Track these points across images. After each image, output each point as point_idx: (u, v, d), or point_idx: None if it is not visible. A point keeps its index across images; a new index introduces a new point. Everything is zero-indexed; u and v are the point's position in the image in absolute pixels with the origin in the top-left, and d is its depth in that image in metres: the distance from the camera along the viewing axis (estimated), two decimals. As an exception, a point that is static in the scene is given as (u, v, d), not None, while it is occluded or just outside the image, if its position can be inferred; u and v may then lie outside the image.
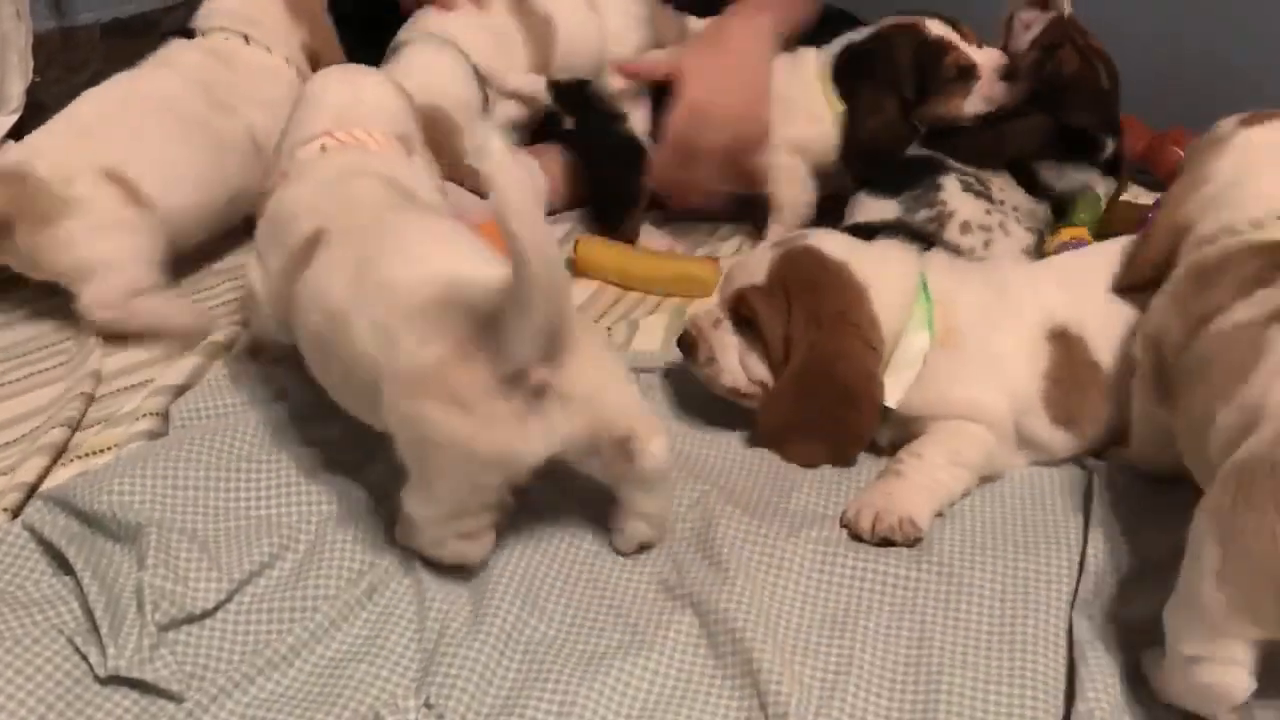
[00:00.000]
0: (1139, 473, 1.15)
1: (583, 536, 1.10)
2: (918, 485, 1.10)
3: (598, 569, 1.07)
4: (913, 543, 1.07)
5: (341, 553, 1.06)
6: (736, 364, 1.19)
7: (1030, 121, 1.47)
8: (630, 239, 1.60)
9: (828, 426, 1.15)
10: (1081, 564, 1.04)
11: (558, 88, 1.67)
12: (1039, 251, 1.45)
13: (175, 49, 1.53)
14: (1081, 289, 1.19)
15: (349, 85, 1.26)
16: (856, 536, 1.08)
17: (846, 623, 1.01)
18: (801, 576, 1.04)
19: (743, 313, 1.18)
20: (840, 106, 1.55)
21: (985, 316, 1.16)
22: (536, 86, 1.67)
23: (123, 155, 1.38)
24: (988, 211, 1.41)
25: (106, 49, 2.11)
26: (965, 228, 1.39)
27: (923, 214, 1.41)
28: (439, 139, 1.47)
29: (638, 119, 1.58)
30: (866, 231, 1.35)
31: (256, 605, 1.03)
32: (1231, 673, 0.84)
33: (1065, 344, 1.16)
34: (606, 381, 0.97)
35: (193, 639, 1.00)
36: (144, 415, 1.25)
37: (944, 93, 1.50)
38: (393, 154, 1.21)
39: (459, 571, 1.05)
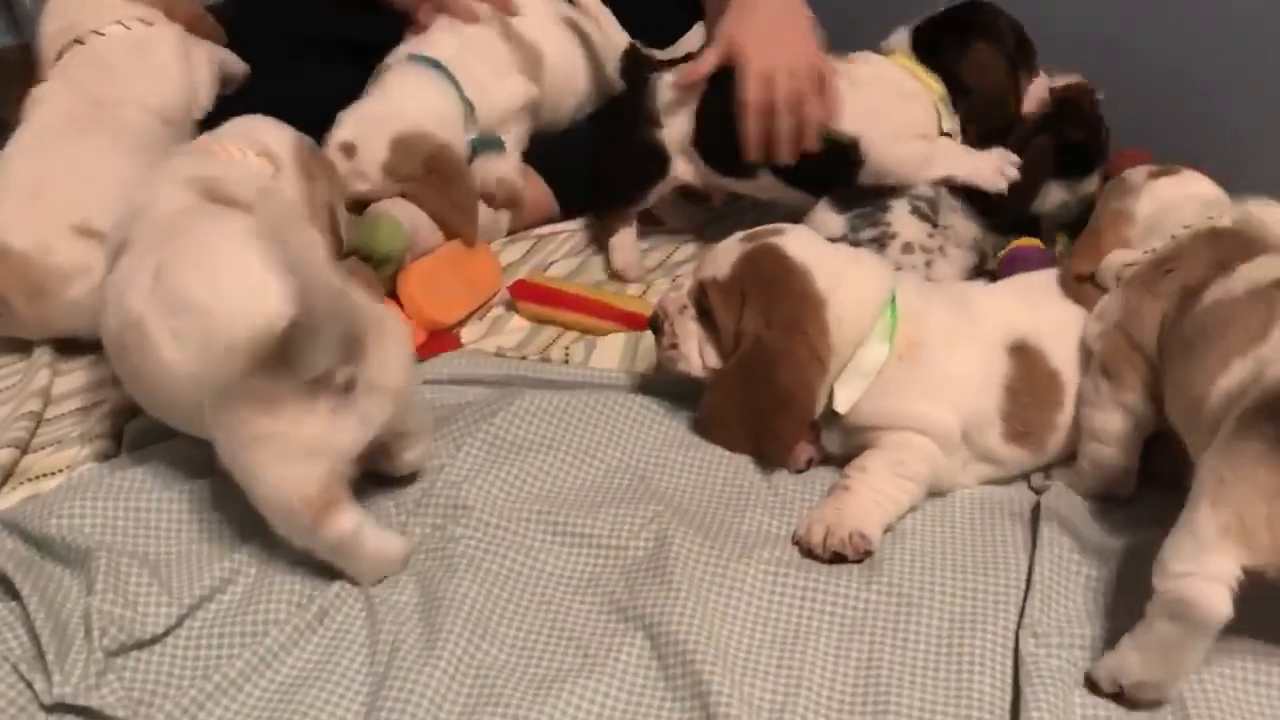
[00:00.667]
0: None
1: (537, 560, 1.10)
2: (865, 499, 1.11)
3: (550, 592, 1.07)
4: (863, 556, 1.08)
5: (292, 576, 1.06)
6: (695, 353, 1.20)
7: (1040, 141, 1.53)
8: (608, 234, 1.62)
9: (759, 423, 1.17)
10: (1028, 582, 1.05)
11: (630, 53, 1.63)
12: (980, 272, 1.47)
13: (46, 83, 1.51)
14: (1041, 303, 1.22)
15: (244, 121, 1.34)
16: (809, 553, 1.09)
17: (796, 644, 1.01)
18: (752, 597, 1.05)
19: (703, 303, 1.19)
20: (939, 85, 1.50)
21: (949, 335, 1.18)
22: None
23: (79, 206, 1.37)
24: (930, 235, 1.43)
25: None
26: (907, 248, 1.40)
27: (867, 233, 1.42)
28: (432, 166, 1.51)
29: (677, 127, 1.54)
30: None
31: (206, 630, 1.02)
32: (1215, 589, 0.87)
33: (1025, 356, 1.18)
34: (405, 374, 1.06)
35: (141, 665, 0.99)
36: (96, 438, 1.24)
37: (1025, 73, 1.53)
38: (246, 165, 1.26)
39: (411, 595, 1.05)
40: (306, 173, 1.32)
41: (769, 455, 1.19)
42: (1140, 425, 1.12)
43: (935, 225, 1.44)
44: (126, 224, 1.15)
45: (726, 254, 1.19)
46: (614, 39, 1.62)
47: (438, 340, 1.43)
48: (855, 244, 1.38)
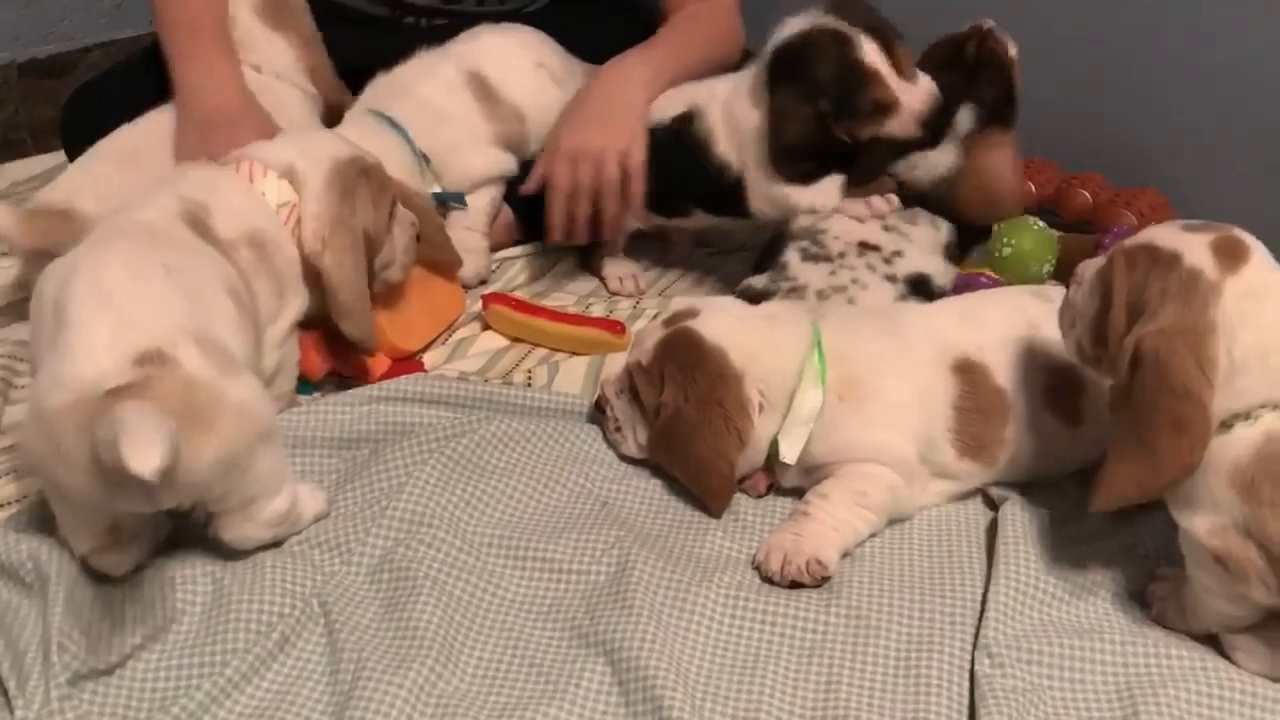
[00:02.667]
0: (1042, 509, 1.17)
1: (499, 586, 1.10)
2: (824, 526, 1.12)
3: (512, 619, 1.07)
4: (821, 582, 1.09)
5: (251, 603, 1.06)
6: (631, 434, 1.25)
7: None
8: (595, 270, 1.66)
9: (689, 485, 1.21)
10: (984, 602, 1.07)
11: None
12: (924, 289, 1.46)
13: None
14: (980, 320, 1.23)
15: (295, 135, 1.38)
16: (767, 579, 1.10)
17: (756, 667, 1.02)
18: (712, 621, 1.06)
19: (633, 386, 1.23)
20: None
21: (885, 365, 1.19)
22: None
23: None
24: (832, 273, 1.41)
25: (23, 89, 2.10)
26: (821, 295, 1.40)
27: (784, 286, 1.42)
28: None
29: None
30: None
31: (165, 660, 1.02)
32: None
33: (969, 373, 1.19)
34: (211, 473, 1.02)
35: (99, 696, 0.98)
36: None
37: (860, 120, 1.42)
38: (253, 194, 1.26)
39: (374, 617, 1.06)
40: (343, 194, 1.30)
41: (709, 512, 1.20)
42: (1264, 607, 0.99)
43: (830, 260, 1.42)
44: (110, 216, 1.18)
45: (650, 338, 1.23)
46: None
47: (401, 366, 1.44)
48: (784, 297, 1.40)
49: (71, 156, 1.71)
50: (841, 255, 1.42)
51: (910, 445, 1.17)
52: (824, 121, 1.41)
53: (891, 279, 1.41)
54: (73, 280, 1.04)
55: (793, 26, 1.43)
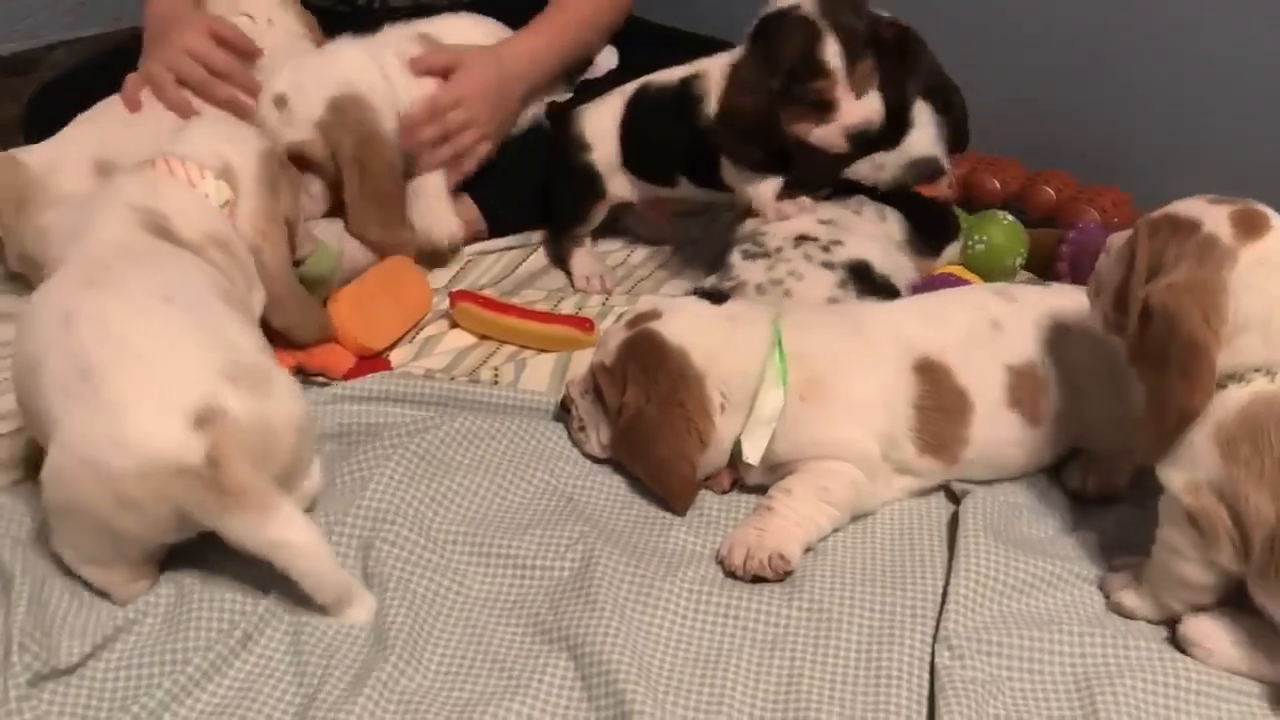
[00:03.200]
0: (1003, 502, 1.19)
1: (463, 583, 1.10)
2: (787, 521, 1.13)
3: (475, 616, 1.07)
4: (783, 577, 1.10)
5: (213, 602, 1.05)
6: (594, 434, 1.25)
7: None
8: (565, 260, 1.67)
9: (651, 485, 1.21)
10: (944, 595, 1.07)
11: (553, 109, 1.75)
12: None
13: None
14: (941, 321, 1.23)
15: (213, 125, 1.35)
16: (730, 573, 1.11)
17: (718, 661, 1.03)
18: (675, 616, 1.06)
19: (596, 387, 1.24)
20: None
21: (846, 364, 1.20)
22: None
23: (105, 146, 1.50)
24: (769, 268, 1.43)
25: (-12, 85, 2.08)
26: (760, 289, 1.41)
27: (727, 285, 1.44)
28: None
29: (604, 150, 1.61)
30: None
31: (127, 659, 1.01)
32: None
33: (931, 373, 1.20)
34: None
35: (58, 695, 0.98)
36: (6, 465, 1.23)
37: (798, 110, 1.44)
38: (199, 197, 1.24)
39: (337, 620, 1.05)
40: (270, 186, 1.31)
41: (673, 510, 1.20)
42: (1229, 577, 1.01)
43: (769, 255, 1.44)
44: (64, 242, 1.16)
45: (613, 339, 1.24)
46: None
47: (367, 364, 1.43)
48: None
49: None
50: (778, 250, 1.44)
51: (873, 441, 1.18)
52: (770, 100, 1.43)
53: (829, 266, 1.41)
54: (79, 328, 1.03)
55: (779, 3, 1.46)
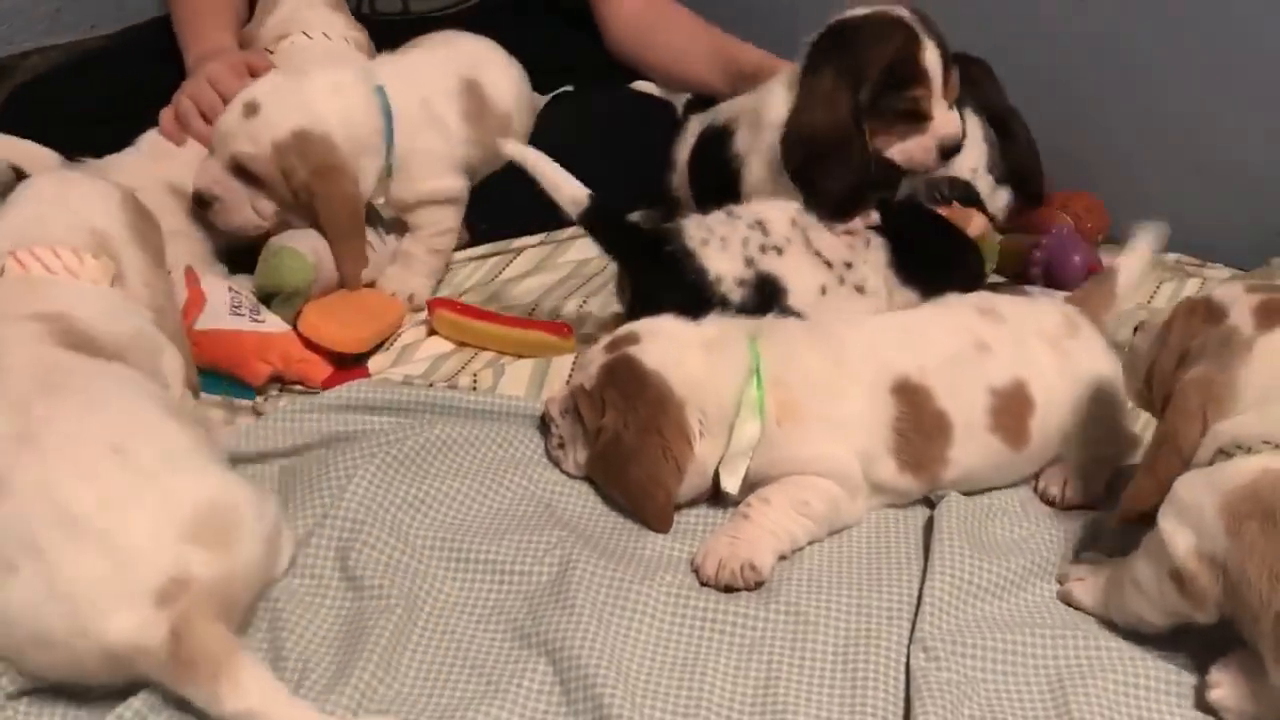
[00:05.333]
0: (977, 506, 1.20)
1: (441, 589, 1.10)
2: (762, 530, 1.13)
3: (453, 622, 1.07)
4: (755, 586, 1.11)
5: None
6: (572, 453, 1.24)
7: None
8: None
9: (629, 507, 1.21)
10: (920, 598, 1.08)
11: None
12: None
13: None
14: (923, 341, 1.23)
15: (51, 193, 1.17)
16: (704, 582, 1.11)
17: (696, 665, 1.03)
18: (653, 620, 1.07)
19: (576, 409, 1.23)
20: None
21: (824, 385, 1.20)
22: None
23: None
24: (703, 241, 1.36)
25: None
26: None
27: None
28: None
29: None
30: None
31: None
32: None
33: (909, 395, 1.20)
34: None
35: (34, 706, 0.97)
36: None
37: (883, 120, 1.36)
38: (84, 281, 1.10)
39: (316, 630, 1.05)
40: (142, 241, 1.20)
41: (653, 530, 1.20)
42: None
43: (710, 232, 1.38)
44: None
45: (592, 362, 1.23)
46: None
47: (346, 373, 1.43)
48: None
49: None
50: (723, 238, 1.38)
51: (853, 458, 1.17)
52: (855, 115, 1.34)
53: (749, 262, 1.34)
54: (19, 498, 0.93)
55: (858, 10, 1.38)
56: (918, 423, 1.19)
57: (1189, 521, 0.96)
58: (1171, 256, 1.78)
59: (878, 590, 1.11)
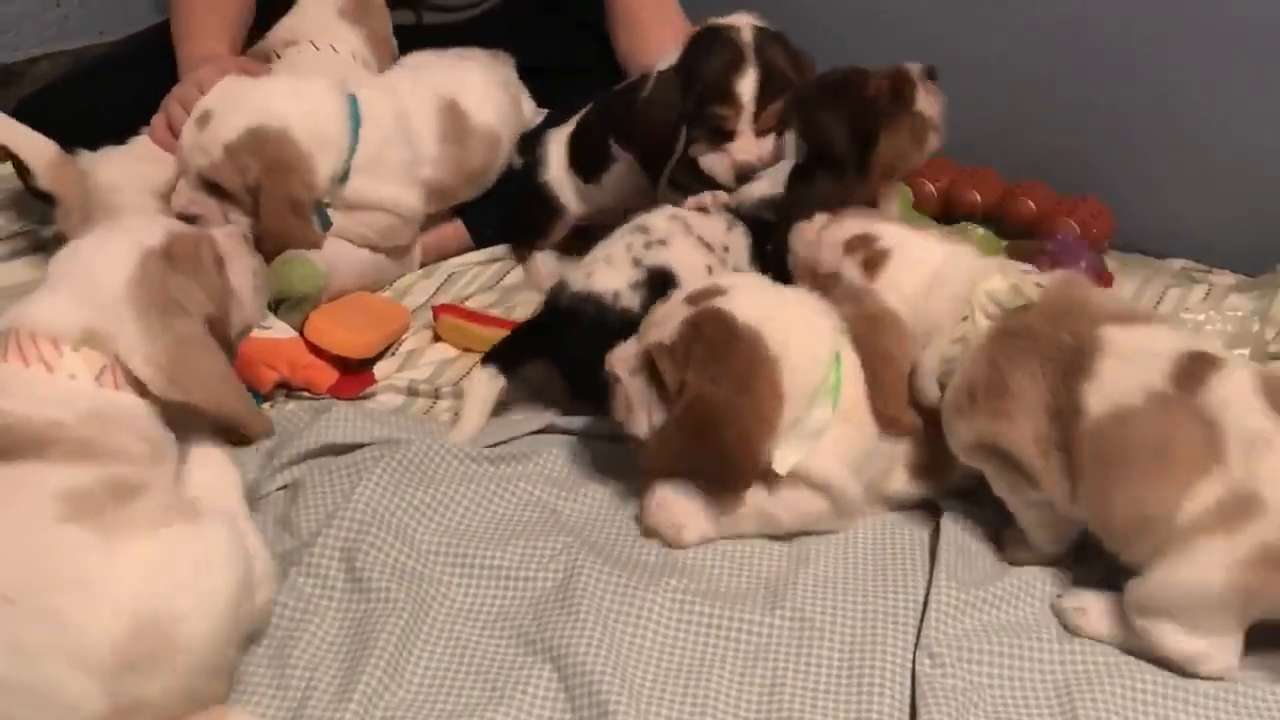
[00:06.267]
0: (983, 513, 1.19)
1: (446, 594, 1.11)
2: (703, 509, 1.16)
3: (458, 628, 1.08)
4: (669, 546, 1.16)
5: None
6: (645, 418, 1.16)
7: None
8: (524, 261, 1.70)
9: (705, 476, 1.15)
10: (925, 604, 1.08)
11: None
12: None
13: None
14: None
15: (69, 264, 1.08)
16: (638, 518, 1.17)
17: (701, 671, 1.03)
18: (658, 626, 1.06)
19: (652, 368, 1.15)
20: None
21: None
22: None
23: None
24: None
25: (-31, 100, 2.07)
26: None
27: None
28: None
29: (555, 163, 1.65)
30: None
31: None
32: None
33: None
34: None
35: None
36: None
37: (699, 129, 1.46)
38: (59, 375, 1.00)
39: (323, 636, 1.06)
40: (163, 308, 1.07)
41: (722, 499, 1.17)
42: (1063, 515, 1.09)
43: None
44: None
45: (672, 317, 1.14)
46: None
47: (352, 378, 1.44)
48: None
49: (17, 167, 1.69)
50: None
51: (859, 487, 1.16)
52: (679, 116, 1.45)
53: (636, 263, 1.33)
54: None
55: (719, 20, 1.47)
56: (938, 431, 1.16)
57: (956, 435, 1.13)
58: (1178, 262, 1.78)
59: (883, 596, 1.10)
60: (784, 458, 1.12)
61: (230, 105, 1.46)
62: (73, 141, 1.55)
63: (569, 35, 1.94)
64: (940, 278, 1.17)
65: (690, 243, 1.36)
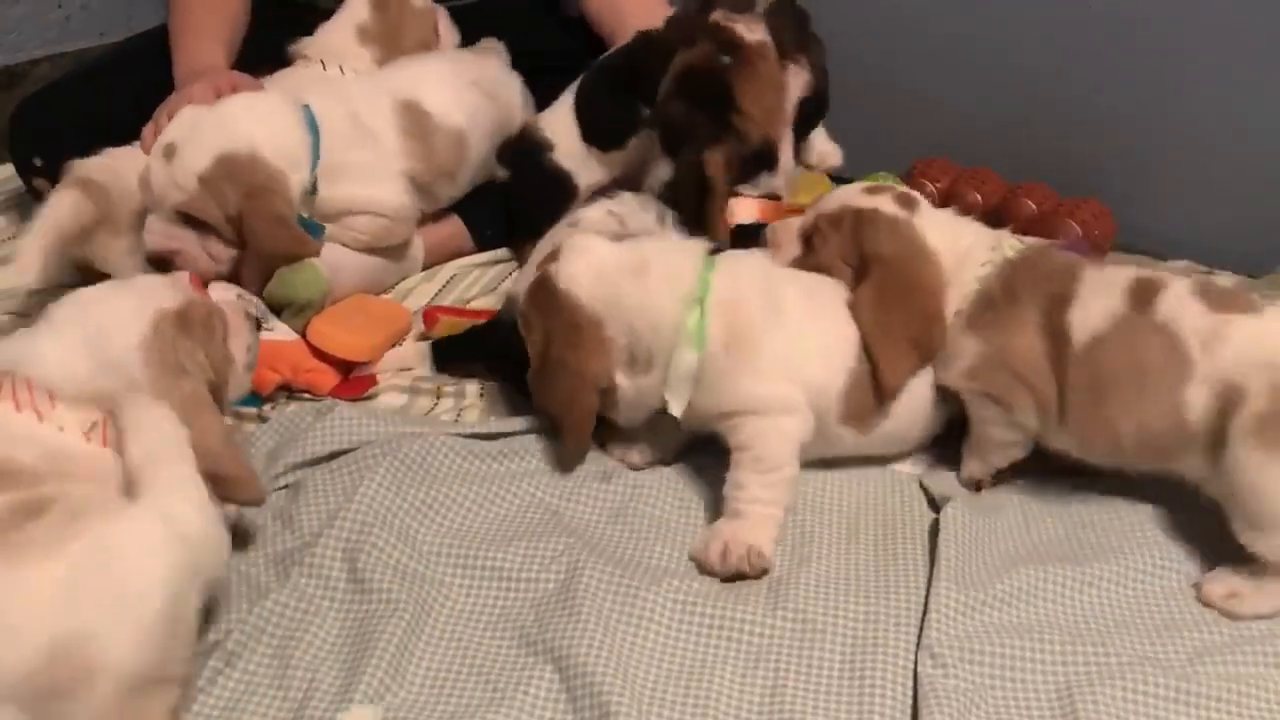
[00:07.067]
0: (983, 512, 1.20)
1: (448, 596, 1.11)
2: (753, 518, 1.14)
3: (460, 629, 1.08)
4: (761, 574, 1.12)
5: (197, 621, 1.05)
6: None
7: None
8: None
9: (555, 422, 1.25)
10: (926, 603, 1.08)
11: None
12: None
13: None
14: None
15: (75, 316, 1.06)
16: (709, 570, 1.13)
17: (703, 672, 1.03)
18: (660, 627, 1.07)
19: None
20: None
21: (799, 309, 1.21)
22: None
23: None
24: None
25: (-27, 102, 2.07)
26: None
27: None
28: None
29: (564, 138, 1.63)
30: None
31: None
32: None
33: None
34: None
35: None
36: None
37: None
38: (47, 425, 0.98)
39: (325, 637, 1.06)
40: (170, 370, 1.06)
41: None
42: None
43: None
44: None
45: (523, 281, 1.26)
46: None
47: (354, 380, 1.44)
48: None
49: (19, 168, 1.70)
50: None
51: (797, 391, 1.18)
52: None
53: None
54: None
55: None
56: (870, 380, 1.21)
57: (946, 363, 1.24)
58: (1180, 264, 1.78)
59: (885, 597, 1.11)
60: (672, 402, 1.19)
61: (193, 136, 1.43)
62: (73, 143, 1.55)
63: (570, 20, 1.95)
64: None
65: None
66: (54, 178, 1.55)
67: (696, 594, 1.10)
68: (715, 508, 1.21)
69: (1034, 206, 1.78)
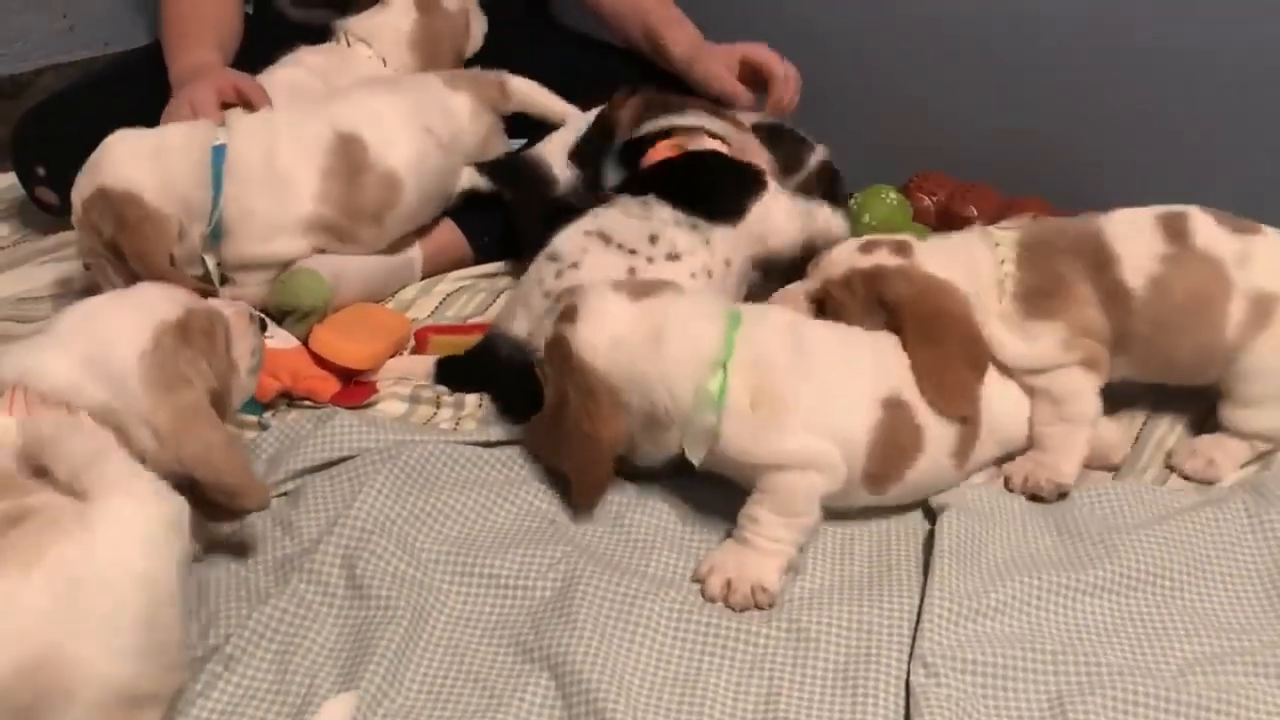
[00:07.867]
0: (977, 520, 1.20)
1: (445, 602, 1.12)
2: (762, 551, 1.14)
3: (457, 636, 1.09)
4: (768, 606, 1.11)
5: (199, 622, 1.06)
6: None
7: None
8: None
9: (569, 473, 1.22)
10: (919, 614, 1.09)
11: (488, 166, 1.72)
12: None
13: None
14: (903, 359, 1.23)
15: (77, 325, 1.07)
16: (712, 599, 1.12)
17: (698, 681, 1.04)
18: (655, 635, 1.07)
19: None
20: None
21: (833, 358, 1.20)
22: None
23: None
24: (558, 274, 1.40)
25: (-22, 110, 2.09)
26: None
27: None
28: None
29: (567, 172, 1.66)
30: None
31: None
32: None
33: (896, 410, 1.19)
34: None
35: None
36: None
37: None
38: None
39: (323, 643, 1.07)
40: (168, 383, 1.06)
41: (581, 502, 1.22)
42: None
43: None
44: None
45: (542, 334, 1.24)
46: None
47: (355, 388, 1.44)
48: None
49: (22, 178, 1.71)
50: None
51: (831, 445, 1.16)
52: None
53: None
54: None
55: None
56: (895, 434, 1.19)
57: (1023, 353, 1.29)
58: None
59: (878, 606, 1.11)
60: (691, 455, 1.17)
61: (94, 161, 1.44)
62: (78, 152, 1.57)
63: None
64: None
65: (607, 255, 1.36)
66: (57, 187, 1.56)
67: (692, 603, 1.11)
68: (714, 517, 1.23)
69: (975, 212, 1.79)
